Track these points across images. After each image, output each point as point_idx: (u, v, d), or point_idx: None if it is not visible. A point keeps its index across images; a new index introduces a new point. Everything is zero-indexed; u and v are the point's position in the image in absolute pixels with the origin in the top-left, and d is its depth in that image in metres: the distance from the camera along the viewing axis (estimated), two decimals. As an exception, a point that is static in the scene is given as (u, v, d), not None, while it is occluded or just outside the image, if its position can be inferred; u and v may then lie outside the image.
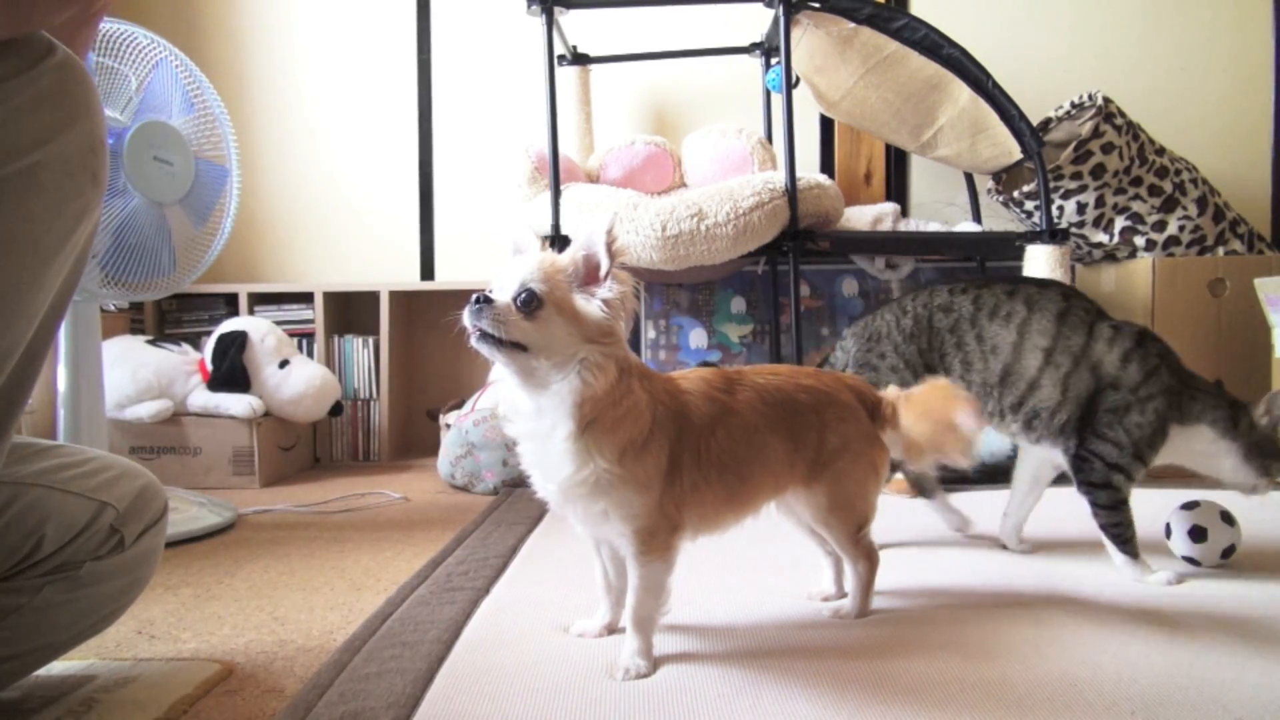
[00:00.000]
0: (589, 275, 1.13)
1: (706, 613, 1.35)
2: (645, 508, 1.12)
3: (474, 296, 1.09)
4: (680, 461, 1.15)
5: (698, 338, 3.07)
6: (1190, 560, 1.54)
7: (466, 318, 1.09)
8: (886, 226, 2.89)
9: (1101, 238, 2.87)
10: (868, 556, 1.33)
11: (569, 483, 1.11)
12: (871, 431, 1.32)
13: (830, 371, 1.38)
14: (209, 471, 2.66)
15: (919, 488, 1.83)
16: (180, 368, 2.73)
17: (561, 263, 1.13)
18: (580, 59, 3.11)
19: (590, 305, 1.11)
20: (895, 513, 2.10)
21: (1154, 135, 2.87)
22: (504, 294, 1.10)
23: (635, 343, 3.07)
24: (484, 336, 1.08)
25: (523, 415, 1.14)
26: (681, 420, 1.17)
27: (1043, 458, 1.64)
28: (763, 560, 1.61)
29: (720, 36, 3.15)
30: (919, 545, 1.79)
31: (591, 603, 1.35)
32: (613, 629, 1.27)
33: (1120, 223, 2.83)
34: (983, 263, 3.03)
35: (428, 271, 3.42)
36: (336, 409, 2.89)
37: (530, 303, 1.08)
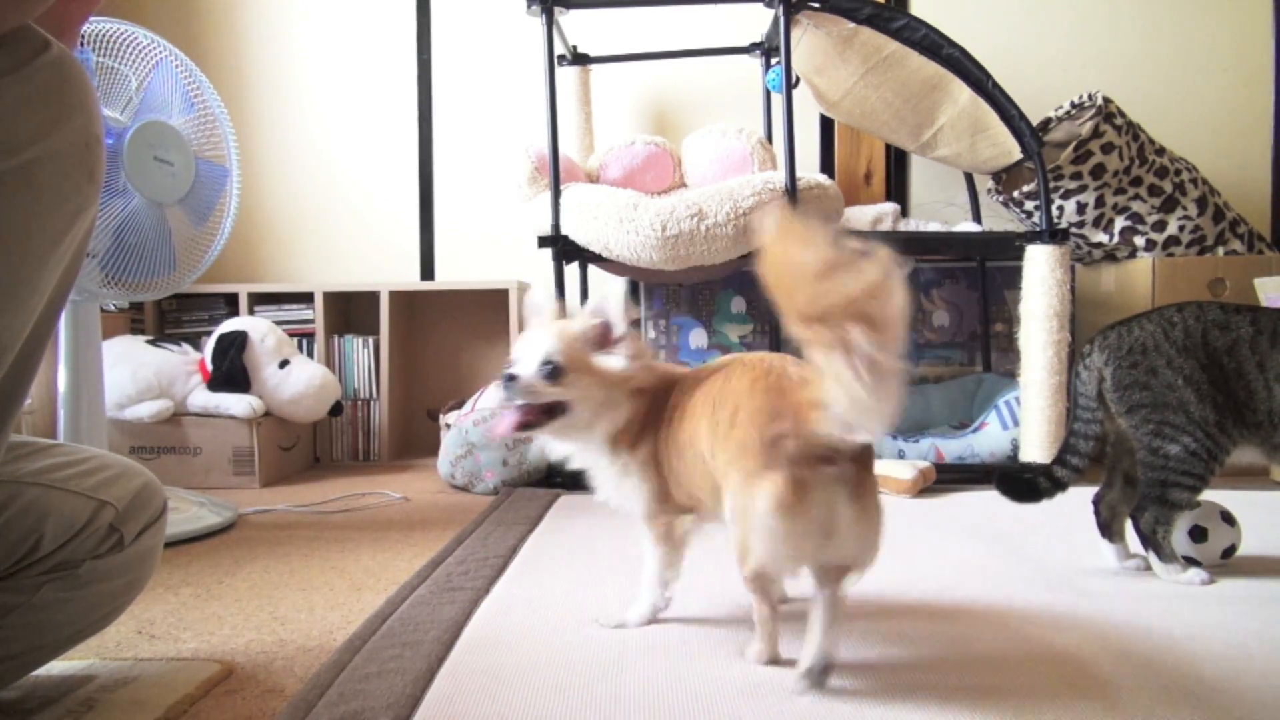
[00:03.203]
0: (602, 339, 1.22)
1: (708, 612, 1.35)
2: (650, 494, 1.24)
3: (503, 376, 1.19)
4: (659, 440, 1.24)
5: (698, 338, 3.07)
6: (1191, 560, 1.54)
7: (499, 396, 1.21)
8: (886, 226, 2.89)
9: (1101, 238, 2.87)
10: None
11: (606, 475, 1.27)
12: None
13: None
14: (209, 471, 2.66)
15: (1107, 530, 1.62)
16: (180, 368, 2.73)
17: (575, 329, 1.22)
18: (580, 59, 3.11)
19: (610, 361, 1.21)
20: (892, 512, 2.10)
21: (1154, 135, 2.86)
22: (527, 368, 1.18)
23: (635, 343, 3.07)
24: (521, 418, 1.20)
25: (582, 453, 1.29)
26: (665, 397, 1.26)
27: None
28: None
29: (720, 36, 3.15)
30: (918, 545, 1.78)
31: (591, 603, 1.35)
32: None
33: (1120, 223, 2.83)
34: (983, 263, 3.03)
35: (428, 271, 3.42)
36: (336, 409, 2.89)
37: (554, 374, 1.18)
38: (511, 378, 1.18)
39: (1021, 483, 1.61)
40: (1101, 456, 1.62)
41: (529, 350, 1.20)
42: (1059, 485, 1.58)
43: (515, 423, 1.19)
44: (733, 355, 1.28)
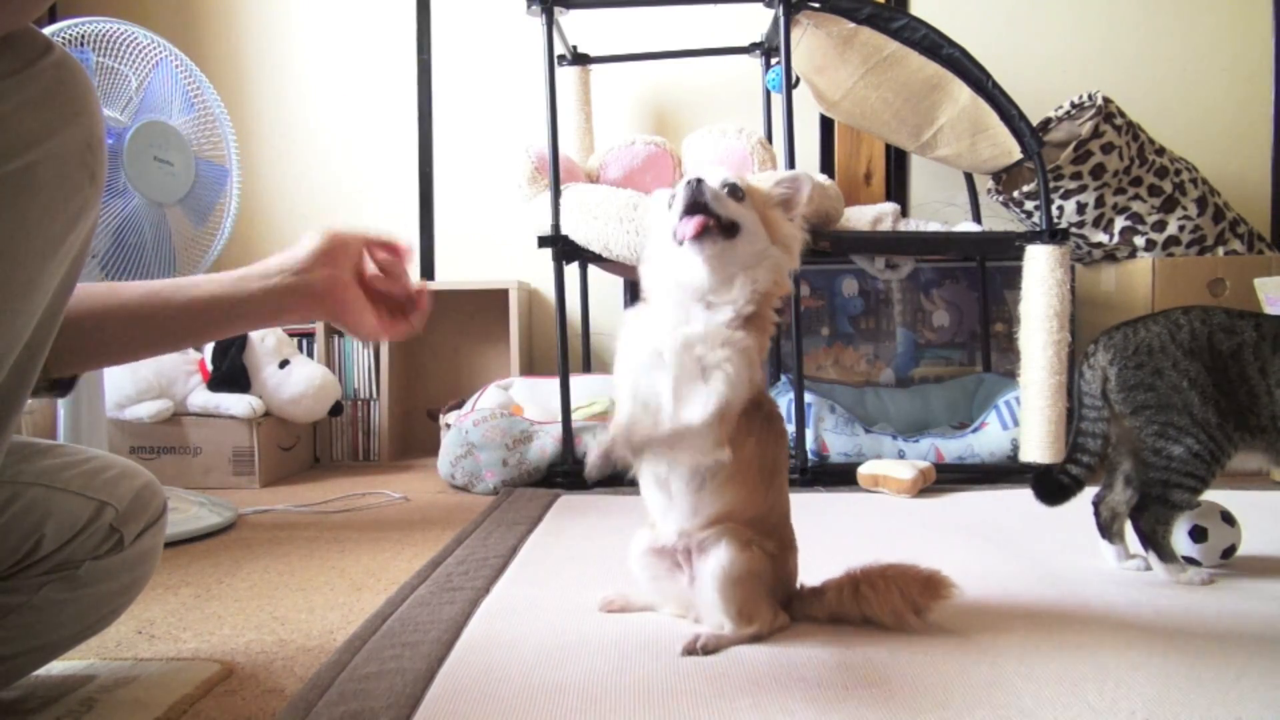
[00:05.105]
0: (783, 204, 1.24)
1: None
2: (738, 391, 1.14)
3: (686, 180, 1.17)
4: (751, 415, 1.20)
5: (698, 338, 3.07)
6: (1191, 560, 1.54)
7: (681, 197, 1.17)
8: (886, 226, 2.89)
9: (1101, 238, 2.87)
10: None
11: (710, 343, 1.15)
12: None
13: None
14: (209, 471, 2.66)
15: (1106, 531, 1.61)
16: (180, 367, 2.73)
17: (761, 179, 1.26)
18: (580, 59, 3.11)
19: (785, 221, 1.23)
20: (892, 512, 2.11)
21: (1154, 135, 2.86)
22: (711, 181, 1.18)
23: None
24: (702, 221, 1.15)
25: (695, 296, 1.18)
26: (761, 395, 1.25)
27: None
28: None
29: (720, 36, 3.15)
30: (918, 545, 1.79)
31: (591, 603, 1.35)
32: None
33: (1120, 223, 2.83)
34: (983, 263, 3.03)
35: (428, 271, 3.42)
36: (336, 409, 2.89)
37: (736, 192, 1.19)
38: (697, 179, 1.17)
39: (1055, 483, 1.60)
40: (1103, 457, 1.62)
41: (710, 172, 1.20)
42: (1076, 483, 1.58)
43: (699, 224, 1.15)
44: None
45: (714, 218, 1.16)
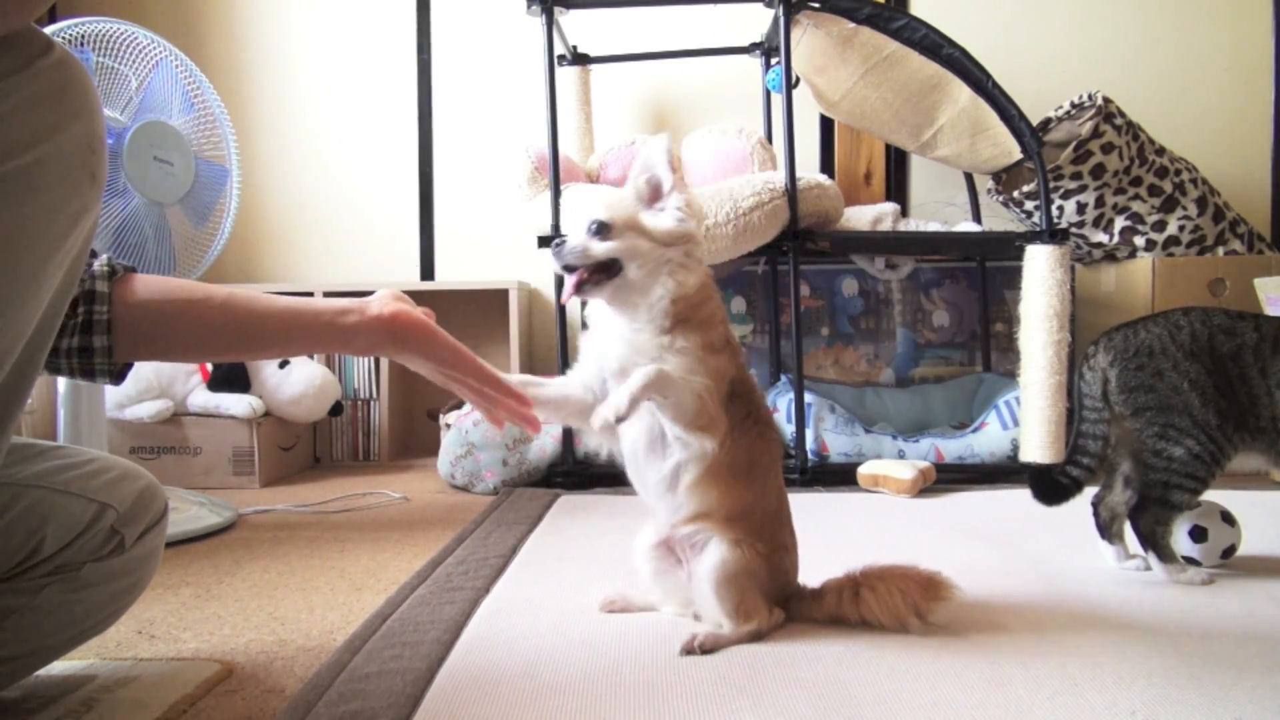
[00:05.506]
0: (653, 195, 1.24)
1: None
2: (705, 389, 1.16)
3: (554, 241, 1.21)
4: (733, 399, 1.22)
5: (698, 338, 3.07)
6: (1191, 560, 1.54)
7: (554, 260, 1.21)
8: (886, 226, 2.89)
9: (1101, 238, 2.87)
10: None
11: (645, 355, 1.17)
12: None
13: None
14: (209, 471, 2.66)
15: (1106, 531, 1.61)
16: (180, 367, 2.73)
17: (622, 192, 1.25)
18: (580, 59, 3.11)
19: (662, 218, 1.22)
20: (892, 512, 2.11)
21: (1154, 135, 2.86)
22: (576, 234, 1.21)
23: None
24: (577, 279, 1.18)
25: (618, 325, 1.22)
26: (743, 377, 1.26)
27: None
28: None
29: (720, 36, 3.15)
30: (918, 545, 1.79)
31: (591, 603, 1.35)
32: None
33: (1120, 223, 2.83)
34: (983, 263, 3.03)
35: (428, 271, 3.42)
36: (336, 409, 2.89)
37: (601, 230, 1.19)
38: (559, 242, 1.20)
39: (1053, 483, 1.60)
40: (1103, 459, 1.62)
41: (576, 218, 1.22)
42: (1076, 485, 1.58)
43: (574, 284, 1.19)
44: None
45: (586, 269, 1.19)
